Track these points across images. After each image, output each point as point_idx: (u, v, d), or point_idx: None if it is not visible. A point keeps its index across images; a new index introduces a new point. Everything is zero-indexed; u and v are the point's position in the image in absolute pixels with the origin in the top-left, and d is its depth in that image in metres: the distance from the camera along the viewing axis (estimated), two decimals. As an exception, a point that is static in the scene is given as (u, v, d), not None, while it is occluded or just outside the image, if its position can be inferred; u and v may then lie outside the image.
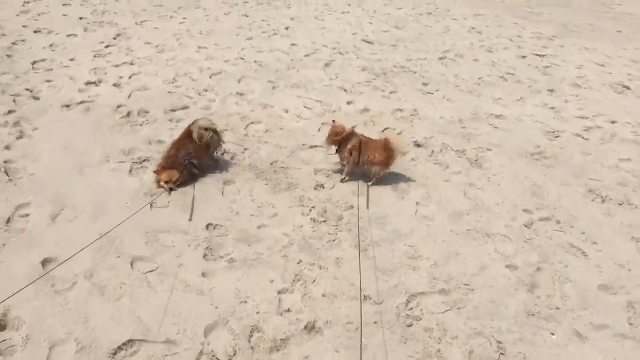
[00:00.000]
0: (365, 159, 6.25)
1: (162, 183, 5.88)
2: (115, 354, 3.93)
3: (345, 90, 9.17)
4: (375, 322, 4.47)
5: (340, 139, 6.29)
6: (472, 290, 4.92)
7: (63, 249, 4.85)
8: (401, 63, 10.82)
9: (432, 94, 9.42)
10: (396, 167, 6.55)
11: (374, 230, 5.60)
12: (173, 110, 7.79)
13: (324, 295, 4.69)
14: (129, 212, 5.40)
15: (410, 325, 4.50)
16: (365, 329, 4.38)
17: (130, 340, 4.03)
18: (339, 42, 11.75)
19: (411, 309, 4.67)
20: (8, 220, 5.16)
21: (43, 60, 9.19)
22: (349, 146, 6.26)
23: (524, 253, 5.45)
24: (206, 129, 6.15)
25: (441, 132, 7.93)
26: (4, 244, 4.84)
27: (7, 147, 6.36)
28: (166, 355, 3.95)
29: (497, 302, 4.81)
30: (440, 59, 11.35)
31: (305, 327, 4.35)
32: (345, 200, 6.05)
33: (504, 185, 6.65)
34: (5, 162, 6.05)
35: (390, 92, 9.27)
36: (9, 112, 7.21)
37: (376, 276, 4.98)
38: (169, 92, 8.33)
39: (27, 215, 5.26)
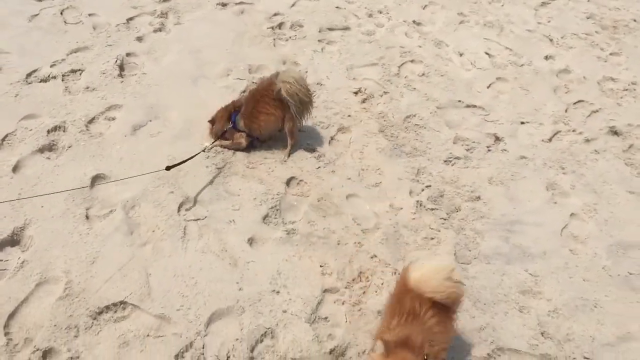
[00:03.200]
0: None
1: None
2: (99, 313, 3.33)
3: (551, 40, 7.28)
4: (427, 374, 3.24)
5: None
6: (591, 368, 3.40)
7: (123, 168, 4.31)
8: (646, 17, 8.34)
9: (671, 65, 7.07)
10: (567, 156, 4.95)
11: (492, 239, 4.21)
12: (330, 29, 6.77)
13: (379, 313, 3.56)
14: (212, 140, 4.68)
15: (475, 394, 3.21)
16: (409, 379, 3.19)
17: (123, 302, 3.40)
18: (574, -23, 9.43)
19: (489, 369, 3.34)
20: (92, 120, 4.77)
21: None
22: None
23: (703, 334, 3.68)
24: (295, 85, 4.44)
25: (657, 122, 5.86)
26: (70, 146, 4.45)
27: (138, 39, 5.96)
28: (148, 335, 3.25)
29: (622, 399, 3.26)
30: None
31: (332, 351, 3.33)
32: (475, 187, 4.66)
33: None
34: (127, 54, 5.65)
35: (610, 54, 7.15)
36: (164, 0, 6.76)
37: (463, 306, 3.66)
38: (337, 7, 7.27)
39: (113, 119, 4.82)
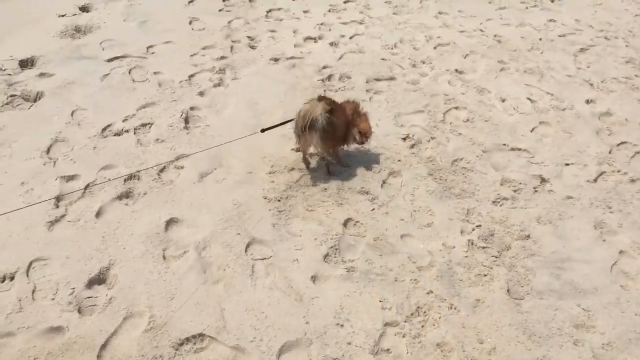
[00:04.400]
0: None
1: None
2: (181, 345, 3.64)
3: (591, 84, 7.53)
4: (485, 403, 3.44)
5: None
6: (647, 399, 3.53)
7: (193, 212, 4.68)
8: (686, 59, 8.53)
9: None
10: (613, 196, 5.26)
11: (543, 276, 4.40)
12: (377, 80, 7.16)
13: (438, 345, 3.79)
14: (273, 186, 5.04)
15: (534, 422, 3.37)
16: (470, 407, 3.40)
17: (201, 335, 3.70)
18: (612, 23, 9.75)
19: (546, 398, 3.51)
20: (163, 169, 5.17)
21: (279, 9, 9.17)
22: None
23: None
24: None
25: (702, 161, 5.99)
26: (145, 193, 4.84)
27: (200, 94, 6.44)
28: (226, 364, 3.51)
29: None
30: None
31: (395, 380, 3.52)
32: (524, 227, 4.87)
33: None
34: (191, 108, 6.12)
35: (651, 96, 7.33)
36: (221, 57, 7.31)
37: (518, 339, 3.86)
38: (383, 59, 7.69)
39: (181, 167, 5.22)
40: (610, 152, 6.04)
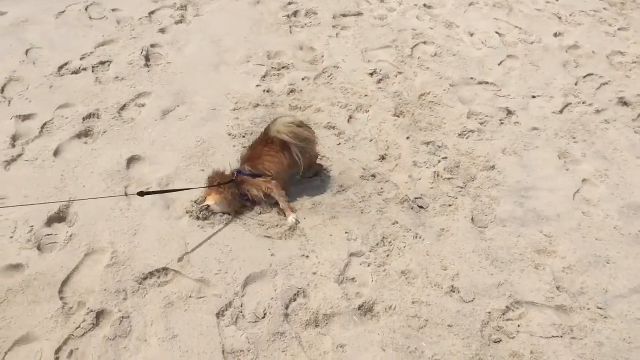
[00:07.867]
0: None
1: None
2: (144, 279, 3.60)
3: (559, 18, 7.45)
4: (449, 325, 3.50)
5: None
6: (604, 317, 3.64)
7: (155, 149, 4.59)
8: (655, -8, 8.48)
9: (679, 37, 7.22)
10: (577, 126, 5.32)
11: (507, 204, 4.43)
12: (344, 16, 6.99)
13: (402, 273, 3.82)
14: (237, 122, 4.95)
15: (496, 342, 3.45)
16: (434, 330, 3.46)
17: (165, 269, 3.67)
18: (581, -44, 9.57)
19: (507, 320, 3.59)
20: (123, 107, 5.04)
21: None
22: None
23: None
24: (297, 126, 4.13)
25: (666, 91, 6.03)
26: (105, 131, 4.72)
27: (161, 30, 6.23)
28: (190, 296, 3.51)
29: (634, 343, 3.48)
30: None
31: (360, 307, 3.57)
32: (489, 158, 4.88)
33: None
34: (151, 45, 5.92)
35: (618, 29, 7.32)
36: (182, -7, 7.03)
37: (480, 265, 3.91)
38: (350, -7, 7.47)
39: (142, 105, 5.09)
40: (576, 84, 6.04)
